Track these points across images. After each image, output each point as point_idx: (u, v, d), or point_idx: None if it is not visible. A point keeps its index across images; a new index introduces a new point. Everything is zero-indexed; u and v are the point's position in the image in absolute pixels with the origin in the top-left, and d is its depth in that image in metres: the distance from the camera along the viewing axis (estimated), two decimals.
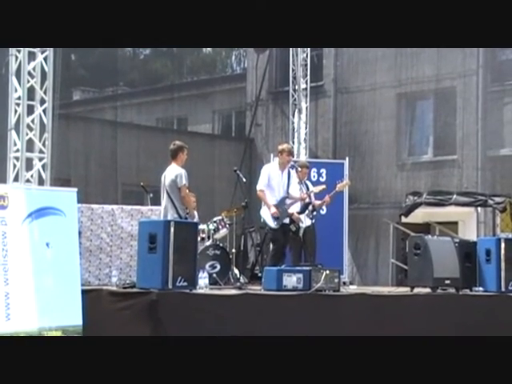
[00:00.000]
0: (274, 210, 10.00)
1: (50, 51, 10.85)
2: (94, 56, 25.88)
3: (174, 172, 9.35)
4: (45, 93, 10.86)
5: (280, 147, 10.42)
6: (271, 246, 10.15)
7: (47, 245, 6.59)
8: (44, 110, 10.85)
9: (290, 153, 10.33)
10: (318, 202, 10.69)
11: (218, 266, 10.36)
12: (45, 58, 10.85)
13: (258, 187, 10.14)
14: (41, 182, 10.74)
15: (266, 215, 10.03)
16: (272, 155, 15.09)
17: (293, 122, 17.25)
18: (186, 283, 7.81)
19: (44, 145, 10.83)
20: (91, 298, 7.62)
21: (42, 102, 10.87)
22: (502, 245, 10.01)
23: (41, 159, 10.80)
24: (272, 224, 10.01)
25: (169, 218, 9.07)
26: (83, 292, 6.96)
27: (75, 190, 7.04)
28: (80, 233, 8.78)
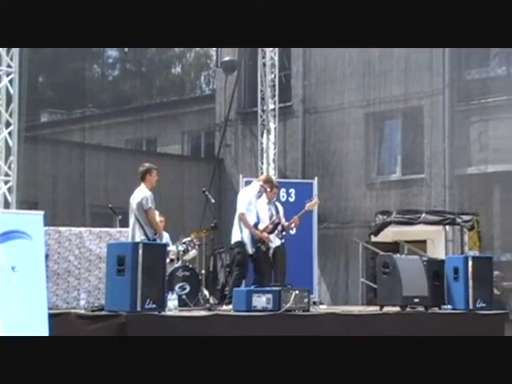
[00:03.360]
0: (266, 235, 10.22)
1: (15, 74, 10.82)
2: (62, 77, 25.83)
3: (140, 194, 9.37)
4: (10, 115, 10.82)
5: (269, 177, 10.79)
6: (236, 267, 10.19)
7: (13, 269, 6.54)
8: (10, 133, 10.80)
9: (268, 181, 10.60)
10: (286, 223, 10.76)
11: (188, 288, 10.34)
12: (10, 81, 10.81)
13: (242, 210, 10.18)
14: (6, 205, 10.66)
15: (248, 239, 10.11)
16: (241, 176, 15.15)
17: (262, 143, 17.31)
18: (154, 305, 7.80)
19: (10, 168, 10.77)
20: (59, 321, 7.57)
21: (8, 124, 10.82)
22: (470, 263, 10.11)
23: (6, 182, 10.74)
24: (250, 250, 10.09)
25: (136, 239, 9.07)
26: (51, 316, 6.91)
27: (42, 212, 7.02)
28: (47, 256, 8.72)
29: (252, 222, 10.25)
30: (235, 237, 10.28)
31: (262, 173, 16.74)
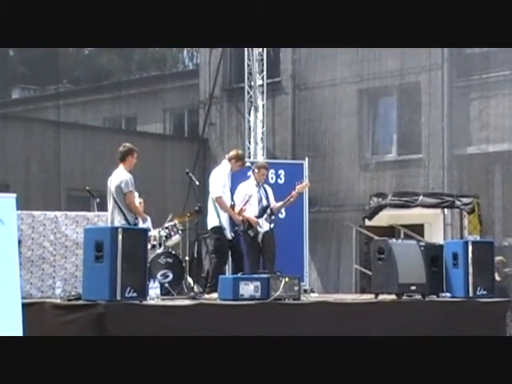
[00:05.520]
0: (255, 220, 10.25)
1: None
2: (35, 51, 25.63)
3: (119, 177, 9.32)
4: None
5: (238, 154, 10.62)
6: (216, 254, 10.19)
7: None
8: None
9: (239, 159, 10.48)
10: (278, 204, 10.74)
11: (171, 275, 10.34)
12: None
13: (217, 193, 10.12)
14: None
15: (227, 223, 10.09)
16: (227, 156, 15.12)
17: (249, 121, 17.29)
18: (135, 294, 7.78)
19: None
20: (33, 311, 7.55)
21: None
22: (470, 248, 10.13)
23: None
24: (229, 235, 10.08)
25: (116, 224, 9.04)
26: (24, 305, 6.86)
27: (14, 195, 6.95)
28: (20, 242, 8.68)
29: (228, 204, 10.20)
30: (212, 222, 10.19)
31: (249, 153, 16.75)
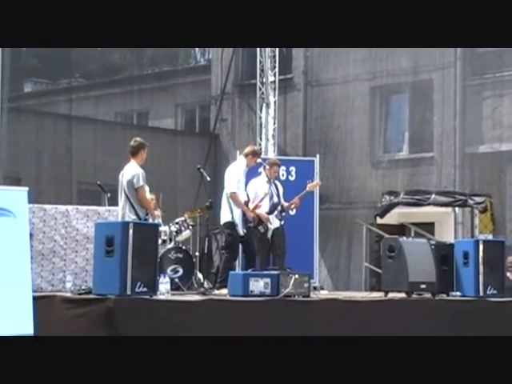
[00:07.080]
0: (265, 216, 10.33)
1: None
2: None
3: (131, 172, 9.34)
4: None
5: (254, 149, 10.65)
6: (227, 250, 10.19)
7: None
8: None
9: (256, 154, 10.49)
10: (286, 204, 10.77)
11: (181, 271, 10.38)
12: None
13: (232, 189, 10.12)
14: None
15: (240, 219, 10.09)
16: (238, 152, 15.14)
17: (260, 117, 17.29)
18: (145, 289, 7.81)
19: None
20: (43, 305, 7.58)
21: None
22: (481, 247, 10.11)
23: None
24: (241, 231, 10.08)
25: (127, 219, 9.07)
26: (35, 299, 6.92)
27: (26, 189, 7.00)
28: (31, 235, 8.73)
29: (242, 200, 10.22)
30: (225, 217, 10.19)
31: (260, 149, 16.75)
